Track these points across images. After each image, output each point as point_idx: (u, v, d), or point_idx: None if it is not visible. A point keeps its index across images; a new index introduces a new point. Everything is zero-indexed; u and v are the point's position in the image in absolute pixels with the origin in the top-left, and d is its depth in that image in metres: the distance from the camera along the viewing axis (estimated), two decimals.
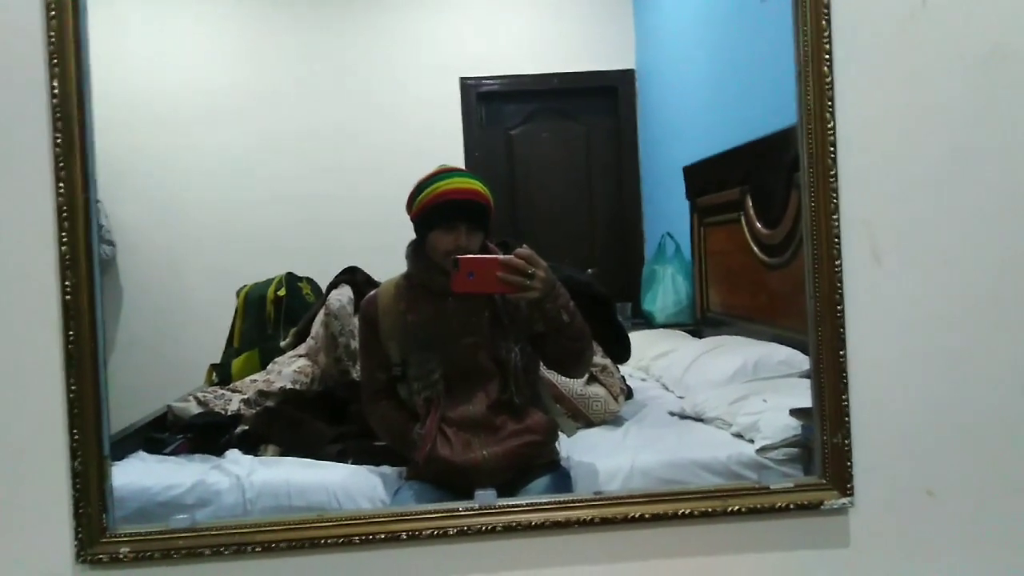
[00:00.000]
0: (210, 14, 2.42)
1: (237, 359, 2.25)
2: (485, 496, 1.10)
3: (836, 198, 1.08)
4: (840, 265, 1.09)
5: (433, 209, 1.49)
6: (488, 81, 2.61)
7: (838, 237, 1.09)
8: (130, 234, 2.26)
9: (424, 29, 2.56)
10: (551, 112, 2.74)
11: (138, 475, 1.69)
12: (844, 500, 1.11)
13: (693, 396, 2.04)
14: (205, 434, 1.89)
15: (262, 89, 2.43)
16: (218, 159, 2.39)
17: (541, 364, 1.62)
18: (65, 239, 1.02)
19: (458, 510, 1.08)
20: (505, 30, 2.61)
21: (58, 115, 1.02)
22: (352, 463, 1.76)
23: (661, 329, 2.54)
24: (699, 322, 2.51)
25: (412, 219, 1.54)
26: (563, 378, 1.91)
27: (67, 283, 1.02)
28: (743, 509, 1.10)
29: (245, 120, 2.40)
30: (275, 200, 2.40)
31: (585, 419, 2.02)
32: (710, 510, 1.09)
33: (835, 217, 1.08)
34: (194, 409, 1.99)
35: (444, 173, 1.52)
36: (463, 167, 1.60)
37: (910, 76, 1.13)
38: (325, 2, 2.48)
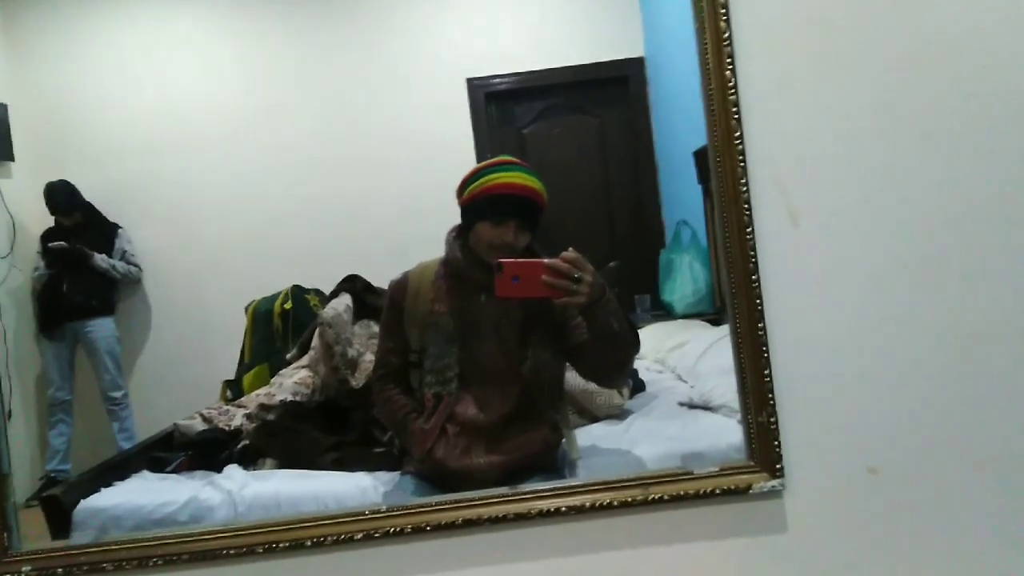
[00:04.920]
0: (211, 31, 2.49)
1: (248, 374, 2.30)
2: (396, 496, 1.07)
3: (743, 162, 1.01)
4: (752, 233, 1.02)
5: (486, 200, 1.44)
6: (496, 80, 2.59)
7: (748, 203, 1.01)
8: (154, 257, 2.35)
9: (427, 31, 2.57)
10: (563, 107, 2.71)
11: (136, 494, 1.74)
12: (774, 482, 1.03)
13: (702, 384, 1.98)
14: (206, 451, 1.94)
15: (267, 104, 2.49)
16: (228, 178, 2.46)
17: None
18: None
19: (364, 513, 1.06)
20: (510, 27, 2.60)
21: None
22: (345, 470, 1.76)
23: (681, 320, 2.47)
24: (719, 310, 2.42)
25: (461, 205, 1.49)
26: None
27: None
28: (666, 497, 1.03)
29: (252, 138, 2.47)
30: (286, 215, 2.45)
31: (589, 414, 1.97)
32: (630, 499, 1.03)
33: (743, 182, 1.01)
34: (199, 426, 2.04)
35: (504, 164, 1.46)
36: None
37: (814, 24, 1.04)
38: (325, 13, 2.52)
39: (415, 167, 2.47)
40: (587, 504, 1.03)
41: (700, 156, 2.37)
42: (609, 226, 2.66)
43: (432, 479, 1.47)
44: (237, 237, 2.44)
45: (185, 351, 2.40)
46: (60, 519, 1.61)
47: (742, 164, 1.01)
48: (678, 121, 2.63)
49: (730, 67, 1.00)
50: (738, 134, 1.01)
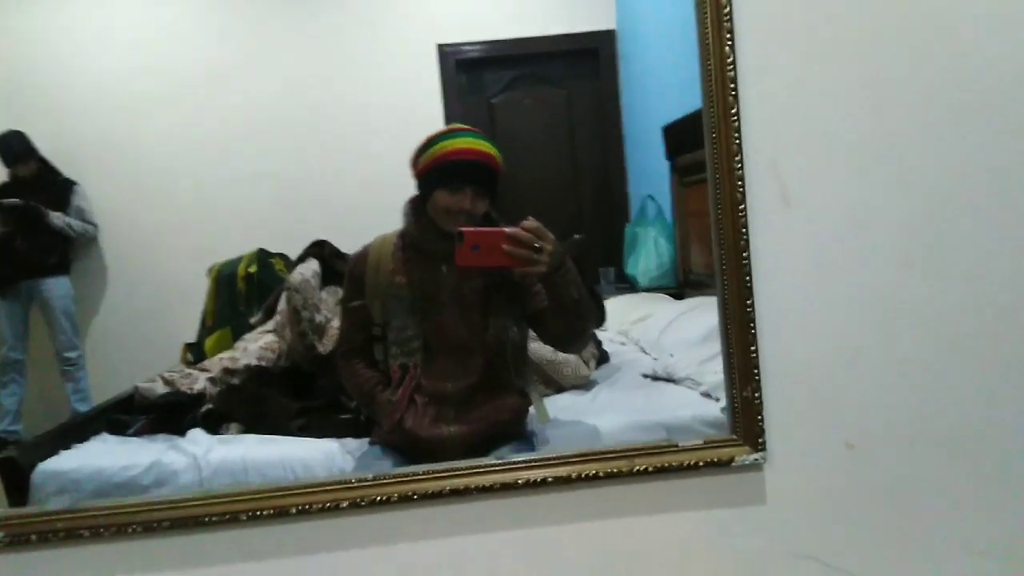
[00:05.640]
0: None
1: (210, 337, 2.26)
2: (381, 466, 1.06)
3: (739, 139, 1.02)
4: (744, 210, 1.03)
5: (440, 167, 1.44)
6: (467, 48, 2.56)
7: (742, 180, 1.03)
8: (111, 215, 2.28)
9: None
10: (532, 78, 2.68)
11: (97, 456, 1.70)
12: (756, 456, 1.06)
13: (666, 357, 2.00)
14: (168, 414, 1.90)
15: (232, 63, 2.41)
16: (193, 138, 2.39)
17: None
18: None
19: (351, 482, 1.05)
20: None
21: None
22: (312, 436, 1.74)
23: (644, 293, 2.49)
24: (682, 284, 2.46)
25: (416, 176, 1.49)
26: (532, 344, 1.87)
27: None
28: (650, 468, 1.05)
29: (217, 97, 2.39)
30: (251, 178, 2.39)
31: (555, 385, 1.98)
32: (616, 471, 1.05)
33: (738, 159, 1.02)
34: (160, 389, 2.00)
35: (456, 131, 1.47)
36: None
37: (815, 5, 1.05)
38: None
39: (383, 134, 2.43)
40: (573, 475, 1.04)
41: (669, 131, 2.40)
42: (574, 198, 2.67)
43: (401, 449, 1.47)
44: (196, 198, 2.37)
45: (141, 312, 2.34)
46: (16, 482, 1.57)
47: (737, 141, 1.02)
48: (648, 96, 2.64)
49: (729, 43, 1.00)
50: (734, 111, 1.01)
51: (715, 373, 1.73)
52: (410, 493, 1.05)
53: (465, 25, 2.53)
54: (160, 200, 2.36)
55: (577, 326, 1.49)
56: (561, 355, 2.02)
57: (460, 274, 1.45)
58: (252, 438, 1.79)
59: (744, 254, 1.04)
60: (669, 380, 1.91)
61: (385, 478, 1.05)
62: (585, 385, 2.00)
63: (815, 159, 1.06)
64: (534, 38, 2.56)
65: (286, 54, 2.44)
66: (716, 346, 1.86)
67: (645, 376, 2.00)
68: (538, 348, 1.94)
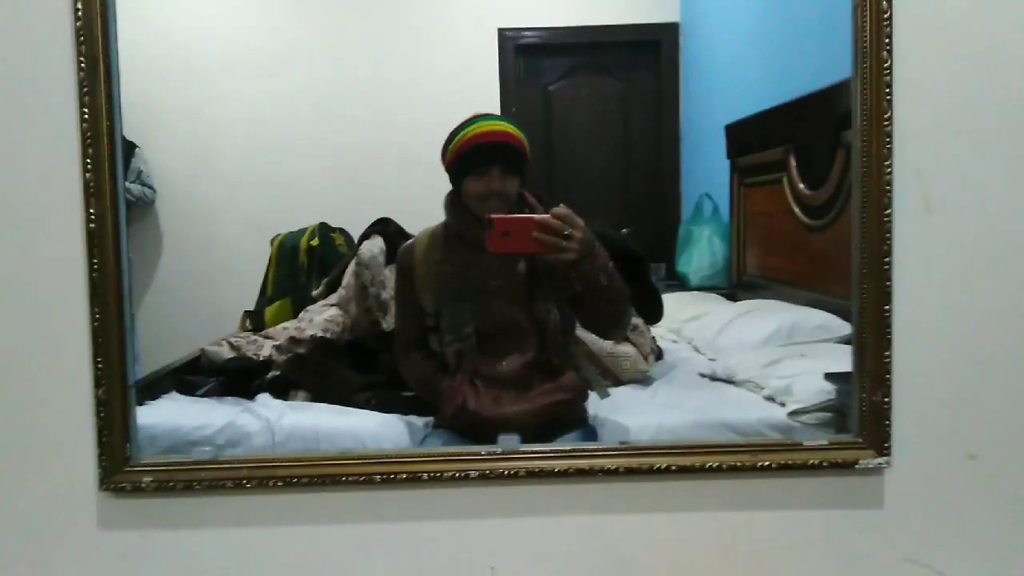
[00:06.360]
0: None
1: (270, 307, 2.26)
2: (508, 441, 1.08)
3: (890, 143, 1.03)
4: (890, 215, 1.04)
5: (465, 155, 1.46)
6: (527, 33, 2.54)
7: (890, 185, 1.03)
8: (170, 180, 2.28)
9: None
10: (591, 67, 2.67)
11: (170, 414, 1.71)
12: (880, 460, 1.07)
13: (725, 358, 2.01)
14: (236, 378, 1.91)
15: (298, 39, 2.41)
16: (256, 109, 2.38)
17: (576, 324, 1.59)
18: (90, 166, 1.00)
19: (481, 454, 1.07)
20: None
21: (81, 38, 1.00)
22: (379, 411, 1.75)
23: (695, 291, 2.50)
24: (735, 285, 2.46)
25: (446, 169, 1.51)
26: (593, 335, 1.87)
27: (91, 211, 1.01)
28: (774, 465, 1.06)
29: (282, 70, 2.39)
30: (310, 151, 2.39)
31: (614, 378, 1.99)
32: (739, 464, 1.06)
33: (888, 164, 1.03)
34: (227, 353, 2.01)
35: (475, 118, 1.48)
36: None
37: (973, 15, 1.06)
38: None
39: (440, 114, 2.42)
40: (697, 465, 1.05)
41: (731, 130, 2.39)
42: (626, 191, 2.66)
43: (465, 432, 1.49)
44: (255, 171, 2.37)
45: (194, 278, 2.34)
46: None
47: (888, 146, 1.02)
48: (709, 93, 2.63)
49: (888, 47, 1.01)
50: (888, 116, 1.02)
51: (779, 378, 1.75)
52: (535, 469, 1.07)
53: (526, 10, 2.52)
54: (219, 170, 2.36)
55: (608, 312, 1.50)
56: (620, 348, 2.02)
57: (503, 260, 1.47)
58: (321, 407, 1.80)
59: (886, 259, 1.04)
60: (728, 381, 1.92)
61: (513, 454, 1.07)
62: (643, 380, 2.01)
63: (962, 167, 1.07)
64: (595, 27, 2.55)
65: (350, 35, 2.44)
66: (778, 351, 1.88)
67: (702, 375, 2.00)
68: (597, 339, 1.95)
